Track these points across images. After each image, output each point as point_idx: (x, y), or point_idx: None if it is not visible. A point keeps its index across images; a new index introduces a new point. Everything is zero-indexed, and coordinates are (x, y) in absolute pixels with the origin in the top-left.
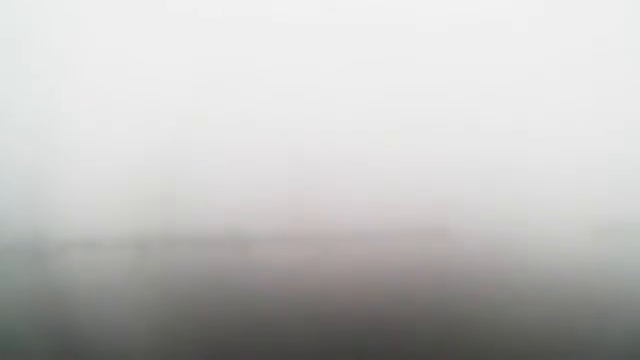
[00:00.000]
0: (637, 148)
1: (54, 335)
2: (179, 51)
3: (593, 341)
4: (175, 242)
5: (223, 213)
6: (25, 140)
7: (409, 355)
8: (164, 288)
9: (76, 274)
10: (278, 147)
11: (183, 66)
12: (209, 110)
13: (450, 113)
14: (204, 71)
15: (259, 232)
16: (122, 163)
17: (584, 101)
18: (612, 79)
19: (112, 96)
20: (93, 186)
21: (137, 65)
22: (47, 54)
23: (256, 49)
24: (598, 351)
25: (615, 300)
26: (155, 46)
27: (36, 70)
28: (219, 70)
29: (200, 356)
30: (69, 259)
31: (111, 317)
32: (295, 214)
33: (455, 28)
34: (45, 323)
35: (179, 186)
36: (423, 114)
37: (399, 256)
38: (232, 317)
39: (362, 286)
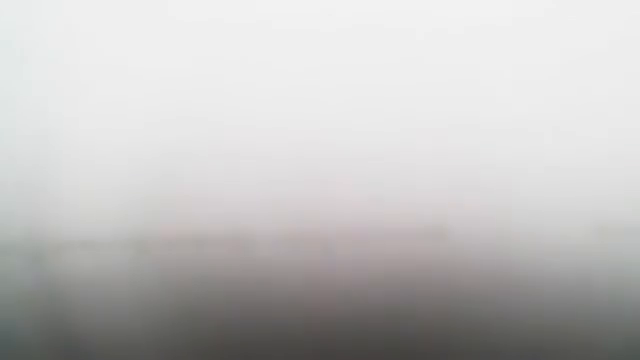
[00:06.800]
0: (638, 148)
1: (54, 335)
2: (180, 51)
3: (593, 340)
4: (175, 242)
5: (223, 213)
6: (25, 140)
7: (409, 354)
8: (164, 288)
9: (76, 274)
10: (278, 147)
11: (183, 66)
12: (209, 110)
13: (450, 113)
14: (204, 71)
15: (260, 232)
16: (122, 163)
17: (585, 101)
18: (613, 79)
19: (112, 96)
20: (93, 186)
21: (137, 65)
22: (47, 55)
23: (257, 49)
24: (598, 351)
25: (616, 300)
26: (156, 47)
27: (36, 71)
28: (220, 70)
29: (200, 356)
30: (69, 259)
31: (111, 317)
32: (296, 214)
33: (456, 29)
34: (45, 323)
35: (179, 186)
36: (423, 115)
37: (399, 256)
38: (232, 317)
39: (362, 286)
